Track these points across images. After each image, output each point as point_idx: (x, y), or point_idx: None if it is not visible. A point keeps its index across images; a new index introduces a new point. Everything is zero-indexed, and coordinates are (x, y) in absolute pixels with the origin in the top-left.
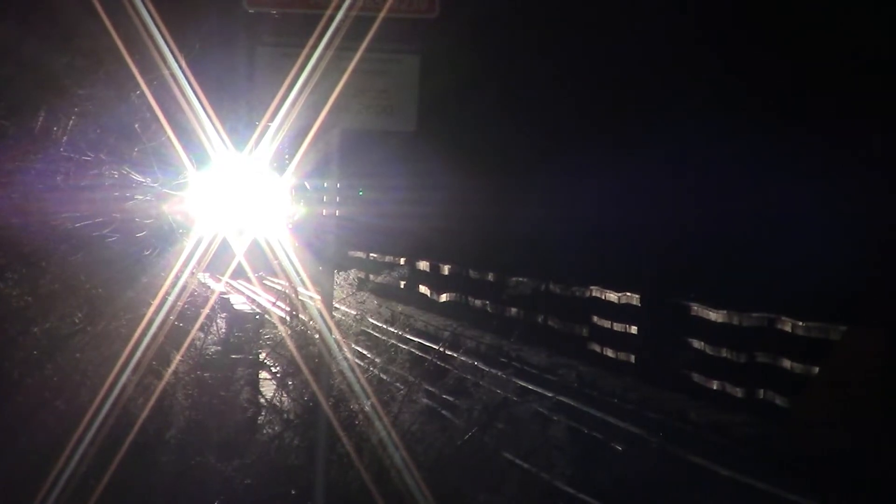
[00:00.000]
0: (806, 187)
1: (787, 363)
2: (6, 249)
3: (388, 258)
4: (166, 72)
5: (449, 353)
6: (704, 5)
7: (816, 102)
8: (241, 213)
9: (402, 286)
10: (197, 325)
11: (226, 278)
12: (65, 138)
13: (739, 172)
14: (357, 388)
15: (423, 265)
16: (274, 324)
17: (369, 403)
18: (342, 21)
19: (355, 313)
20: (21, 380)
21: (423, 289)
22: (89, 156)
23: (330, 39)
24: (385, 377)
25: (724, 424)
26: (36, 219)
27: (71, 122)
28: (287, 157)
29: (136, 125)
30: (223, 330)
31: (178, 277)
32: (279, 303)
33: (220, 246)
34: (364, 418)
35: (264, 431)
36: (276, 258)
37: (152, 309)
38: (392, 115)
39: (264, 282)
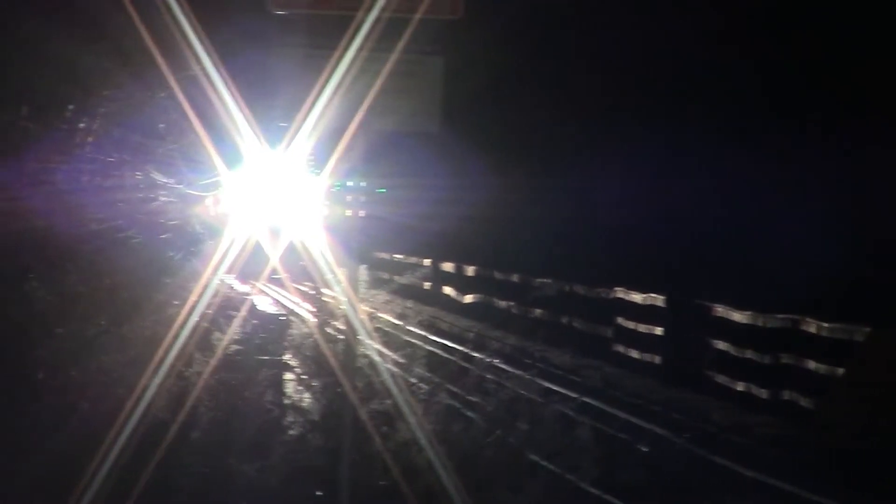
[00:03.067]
0: (829, 188)
1: (811, 364)
2: (31, 251)
3: (412, 259)
4: (197, 70)
5: (473, 353)
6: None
7: (849, 100)
8: (271, 214)
9: (426, 287)
10: (230, 329)
11: (259, 284)
12: (90, 139)
13: (763, 172)
14: (381, 388)
15: (448, 266)
16: (298, 325)
17: (394, 404)
18: (366, 23)
19: (380, 314)
20: (46, 381)
21: (447, 290)
22: (113, 157)
23: (354, 41)
24: (410, 377)
25: (749, 425)
26: (60, 220)
27: (96, 122)
28: (313, 158)
29: (161, 125)
30: (247, 332)
31: (202, 280)
32: (304, 304)
33: (249, 247)
34: (389, 418)
35: (289, 432)
36: (310, 258)
37: (178, 311)
38: (417, 116)
39: (290, 283)
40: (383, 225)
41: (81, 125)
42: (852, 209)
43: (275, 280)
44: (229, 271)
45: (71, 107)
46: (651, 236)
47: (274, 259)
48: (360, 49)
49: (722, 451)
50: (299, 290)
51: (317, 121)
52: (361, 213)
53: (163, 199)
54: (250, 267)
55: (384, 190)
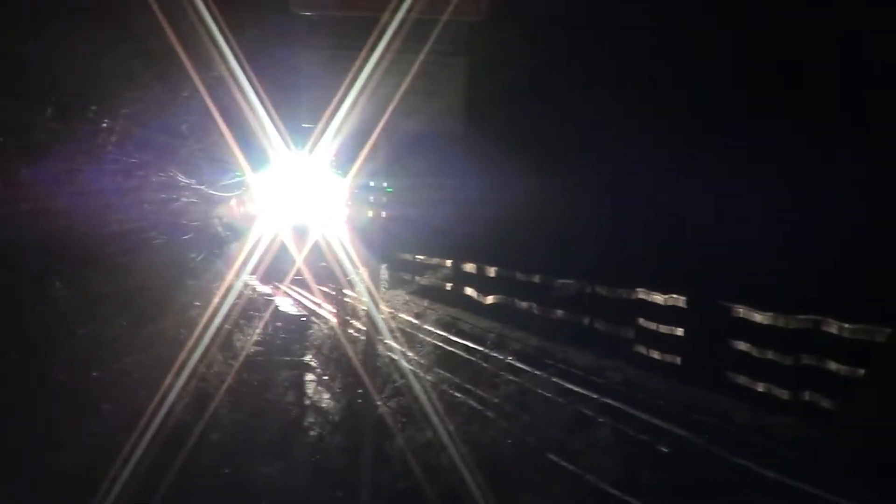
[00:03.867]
0: (852, 187)
1: (832, 365)
2: (54, 252)
3: (434, 260)
4: (222, 70)
5: (493, 354)
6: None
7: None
8: (296, 214)
9: (447, 288)
10: (252, 330)
11: (282, 285)
12: (113, 140)
13: (780, 171)
14: (402, 388)
15: (469, 267)
16: (319, 326)
17: (414, 404)
18: (389, 24)
19: (401, 314)
20: (68, 382)
21: (468, 291)
22: (136, 157)
23: (378, 43)
24: (429, 378)
25: (770, 426)
26: (84, 221)
27: (120, 123)
28: (337, 159)
29: (184, 126)
30: (269, 333)
31: (225, 281)
32: (326, 305)
33: (273, 249)
34: (409, 419)
35: (309, 433)
36: (332, 259)
37: (201, 312)
38: (440, 118)
39: (313, 284)
40: (407, 225)
41: (105, 126)
42: (874, 209)
43: (297, 281)
44: (253, 273)
45: (94, 107)
46: (675, 236)
47: (298, 260)
48: (384, 51)
49: (743, 451)
50: (322, 290)
51: (341, 122)
52: (384, 213)
53: (185, 199)
54: (274, 268)
55: (391, 189)
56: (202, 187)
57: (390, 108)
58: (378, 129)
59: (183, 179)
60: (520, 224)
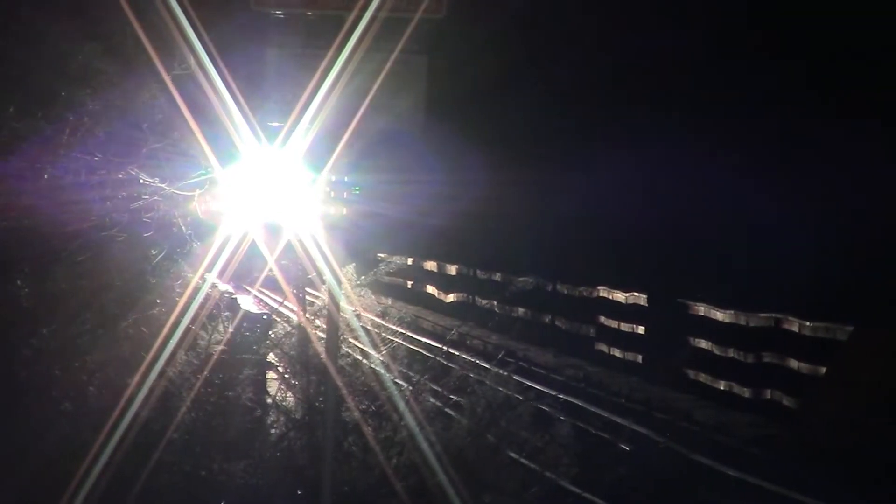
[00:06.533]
0: (817, 187)
1: (794, 363)
2: (16, 250)
3: (396, 258)
4: (192, 64)
5: (455, 352)
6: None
7: (813, 101)
8: (260, 212)
9: (409, 286)
10: (215, 329)
11: (244, 284)
12: (77, 135)
13: (743, 172)
14: (363, 386)
15: (430, 265)
16: (282, 325)
17: (375, 402)
18: (350, 22)
19: (363, 313)
20: (29, 380)
21: (430, 289)
22: (98, 156)
23: (338, 40)
24: (392, 376)
25: (731, 424)
26: (45, 219)
27: (83, 120)
28: (306, 156)
29: (146, 124)
30: (230, 330)
31: (189, 280)
32: (289, 303)
33: (235, 246)
34: (370, 417)
35: (271, 431)
36: (295, 256)
37: (164, 311)
38: (399, 115)
39: (276, 282)
40: (373, 220)
41: (69, 123)
42: (837, 209)
43: (265, 280)
44: (221, 272)
45: (55, 107)
46: (641, 234)
47: (270, 260)
48: (344, 49)
49: (704, 450)
50: (284, 289)
51: (310, 120)
52: (345, 210)
53: (147, 197)
54: (243, 267)
55: (358, 190)
56: (164, 185)
57: (361, 106)
58: (350, 128)
59: (146, 177)
60: (482, 220)
